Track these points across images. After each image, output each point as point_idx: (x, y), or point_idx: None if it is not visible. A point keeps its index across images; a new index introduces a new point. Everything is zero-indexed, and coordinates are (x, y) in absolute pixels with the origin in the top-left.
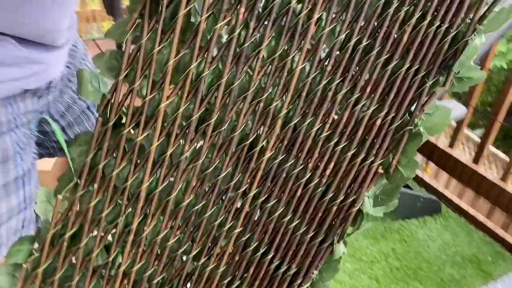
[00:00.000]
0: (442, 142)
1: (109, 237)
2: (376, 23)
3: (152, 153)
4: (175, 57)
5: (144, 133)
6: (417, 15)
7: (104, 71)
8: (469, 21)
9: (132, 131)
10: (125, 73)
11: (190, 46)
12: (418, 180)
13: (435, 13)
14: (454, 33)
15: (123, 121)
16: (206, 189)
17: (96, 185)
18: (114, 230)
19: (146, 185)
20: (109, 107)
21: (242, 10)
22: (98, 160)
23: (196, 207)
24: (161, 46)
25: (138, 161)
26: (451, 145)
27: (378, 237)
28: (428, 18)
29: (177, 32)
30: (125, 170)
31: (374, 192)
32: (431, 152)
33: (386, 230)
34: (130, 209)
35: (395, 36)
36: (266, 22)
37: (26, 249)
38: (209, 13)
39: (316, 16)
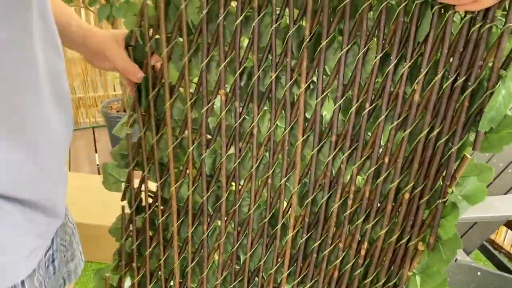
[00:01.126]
0: None
1: None
2: (377, 83)
3: (175, 233)
4: (172, 145)
5: (163, 216)
6: (424, 70)
7: (120, 163)
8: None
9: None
10: (134, 163)
11: (183, 132)
12: None
13: (448, 65)
14: (474, 85)
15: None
16: (237, 268)
17: (134, 264)
18: None
19: (177, 263)
20: (127, 195)
21: (222, 91)
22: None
23: (232, 285)
24: (158, 136)
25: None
26: None
27: None
28: (440, 72)
29: (168, 123)
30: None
31: (423, 269)
32: None
33: None
34: (171, 283)
35: (405, 96)
36: (253, 98)
37: None
38: (193, 99)
39: (303, 86)
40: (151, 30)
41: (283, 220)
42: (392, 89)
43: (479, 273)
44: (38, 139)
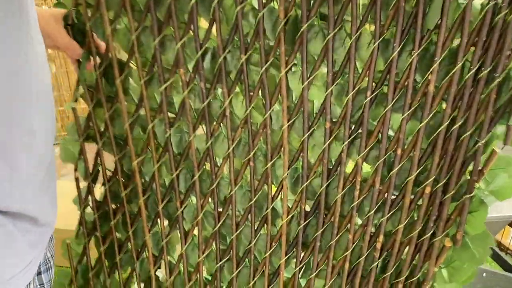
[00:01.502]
0: None
1: None
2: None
3: (143, 209)
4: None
5: (126, 191)
6: (438, 59)
7: (74, 137)
8: None
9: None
10: (85, 136)
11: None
12: None
13: (469, 55)
14: (503, 75)
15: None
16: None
17: (98, 233)
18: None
19: (148, 236)
20: (82, 167)
21: (182, 71)
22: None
23: (218, 264)
24: (110, 112)
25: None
26: None
27: None
28: (460, 62)
29: (121, 100)
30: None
31: (448, 262)
32: None
33: None
34: (144, 255)
35: (415, 85)
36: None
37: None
38: (148, 76)
39: (283, 70)
40: (89, 10)
41: (272, 204)
42: (399, 78)
43: (484, 274)
44: (18, 151)
